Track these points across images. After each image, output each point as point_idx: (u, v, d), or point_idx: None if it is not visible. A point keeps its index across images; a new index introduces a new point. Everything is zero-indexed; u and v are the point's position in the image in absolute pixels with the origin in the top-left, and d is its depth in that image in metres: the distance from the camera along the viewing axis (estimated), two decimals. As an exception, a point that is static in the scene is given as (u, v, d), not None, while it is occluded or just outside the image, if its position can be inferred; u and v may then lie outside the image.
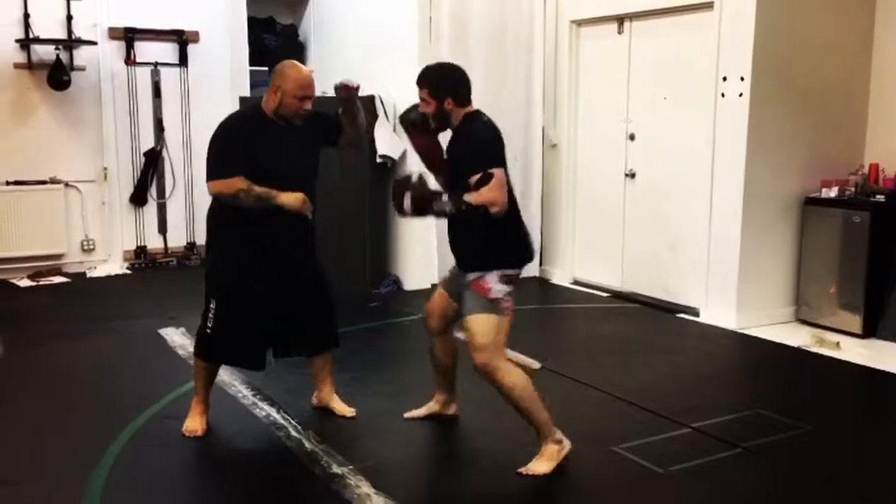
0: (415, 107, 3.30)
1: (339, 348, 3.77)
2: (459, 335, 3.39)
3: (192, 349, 3.80)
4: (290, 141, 3.41)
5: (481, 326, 3.10)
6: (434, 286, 4.32)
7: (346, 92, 3.48)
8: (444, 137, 3.32)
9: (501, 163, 3.08)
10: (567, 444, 3.20)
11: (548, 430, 3.16)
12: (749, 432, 3.54)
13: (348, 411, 3.74)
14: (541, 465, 3.14)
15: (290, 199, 3.34)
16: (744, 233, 5.18)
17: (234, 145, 3.36)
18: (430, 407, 3.71)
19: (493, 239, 3.12)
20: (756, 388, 4.26)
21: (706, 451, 3.36)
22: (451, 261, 3.40)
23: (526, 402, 3.12)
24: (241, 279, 3.45)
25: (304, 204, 3.38)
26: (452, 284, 3.38)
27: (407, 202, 3.08)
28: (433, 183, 3.30)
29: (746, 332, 5.17)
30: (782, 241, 5.36)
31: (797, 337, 5.05)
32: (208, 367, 3.59)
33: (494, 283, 3.10)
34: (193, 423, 3.55)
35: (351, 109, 3.57)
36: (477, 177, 3.00)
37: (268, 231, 3.42)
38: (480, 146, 3.11)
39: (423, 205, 3.08)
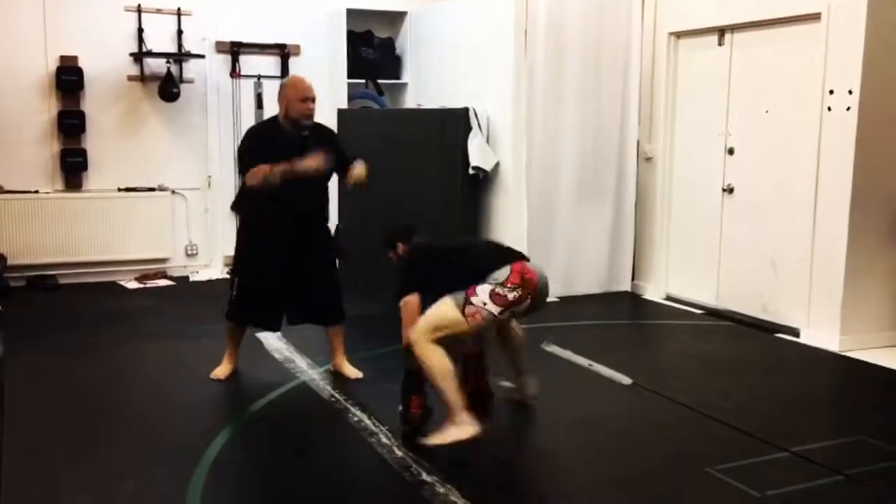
0: None
1: (344, 320, 4.38)
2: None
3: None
4: (299, 146, 3.99)
5: (433, 309, 3.46)
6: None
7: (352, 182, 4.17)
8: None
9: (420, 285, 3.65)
10: (466, 429, 3.37)
11: (452, 411, 3.40)
12: (852, 459, 3.40)
13: (354, 373, 4.34)
14: (433, 439, 3.42)
15: (307, 162, 3.91)
16: (849, 251, 4.99)
17: (253, 146, 4.08)
18: (513, 393, 3.99)
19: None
20: (860, 414, 4.08)
21: (806, 477, 3.24)
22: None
23: (436, 381, 3.40)
24: (258, 261, 4.19)
25: (320, 162, 3.91)
26: None
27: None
28: None
29: (850, 354, 4.96)
30: (891, 261, 5.14)
31: (905, 362, 4.83)
32: (234, 327, 4.36)
33: (482, 294, 3.42)
34: (220, 370, 4.34)
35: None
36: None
37: (282, 226, 4.13)
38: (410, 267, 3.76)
39: None
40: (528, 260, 3.63)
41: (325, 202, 4.36)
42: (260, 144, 4.07)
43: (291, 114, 4.06)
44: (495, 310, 3.43)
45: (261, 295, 4.24)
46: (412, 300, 3.53)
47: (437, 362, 3.41)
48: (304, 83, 4.10)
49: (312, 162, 3.91)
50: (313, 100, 4.09)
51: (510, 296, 3.44)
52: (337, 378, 4.37)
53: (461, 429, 3.39)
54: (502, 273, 3.46)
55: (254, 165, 3.92)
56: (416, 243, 3.80)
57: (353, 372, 4.37)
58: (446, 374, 3.40)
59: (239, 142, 4.30)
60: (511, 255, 3.63)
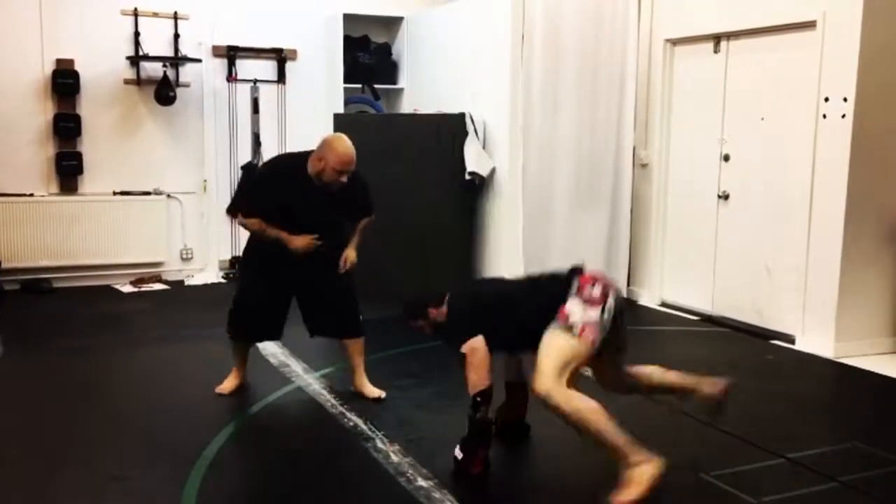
0: None
1: (363, 337, 4.17)
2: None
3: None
4: (320, 197, 3.84)
5: (547, 341, 3.12)
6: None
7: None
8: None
9: (471, 330, 3.29)
10: (655, 463, 2.97)
11: (624, 454, 2.98)
12: (846, 466, 3.41)
13: (377, 393, 4.11)
14: (627, 493, 2.97)
15: (299, 244, 3.85)
16: (844, 258, 5.01)
17: (265, 189, 3.91)
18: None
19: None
20: (854, 421, 4.09)
21: (801, 483, 3.25)
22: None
23: (587, 425, 2.98)
24: (260, 274, 4.02)
25: (310, 247, 3.85)
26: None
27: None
28: None
29: (844, 361, 4.98)
30: (886, 268, 5.16)
31: (899, 369, 4.84)
32: (236, 342, 4.21)
33: (574, 307, 3.15)
34: (225, 385, 4.19)
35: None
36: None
37: (280, 255, 3.93)
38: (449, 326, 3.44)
39: None
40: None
41: (341, 233, 4.10)
42: (275, 185, 3.87)
43: (325, 178, 3.79)
44: (595, 314, 3.13)
45: (255, 310, 4.09)
46: (478, 343, 3.21)
47: (584, 406, 2.99)
48: (348, 154, 3.77)
49: (302, 248, 3.86)
50: (350, 173, 3.81)
51: (595, 293, 3.17)
52: (332, 383, 4.37)
53: (649, 465, 2.97)
54: (574, 286, 3.22)
55: (251, 208, 3.88)
56: (455, 295, 3.47)
57: (374, 392, 4.13)
58: (600, 416, 2.97)
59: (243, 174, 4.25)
60: (570, 272, 3.34)
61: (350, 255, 4.02)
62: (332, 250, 3.99)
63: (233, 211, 3.98)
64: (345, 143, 3.79)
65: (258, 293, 4.03)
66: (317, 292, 4.05)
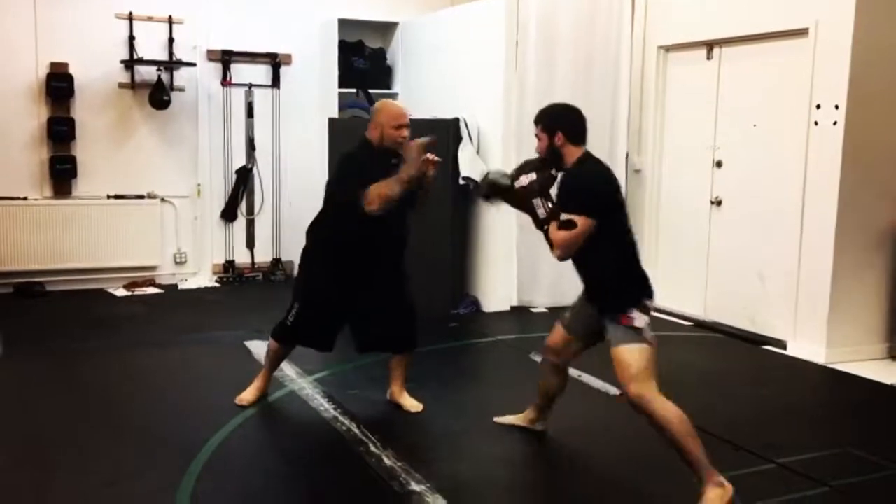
0: (497, 176, 3.36)
1: (416, 349, 4.08)
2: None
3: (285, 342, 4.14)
4: (394, 169, 3.70)
5: (631, 357, 3.09)
6: (524, 309, 4.35)
7: (429, 167, 3.68)
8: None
9: (594, 213, 3.09)
10: (730, 488, 2.98)
11: (705, 471, 2.99)
12: (837, 471, 3.43)
13: (415, 407, 4.03)
14: None
15: (410, 167, 3.60)
16: (836, 264, 5.04)
17: (358, 169, 3.73)
18: (519, 419, 3.78)
19: (613, 282, 3.19)
20: (845, 426, 4.12)
21: (792, 489, 3.27)
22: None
23: (679, 438, 3.00)
24: (327, 292, 3.88)
25: (420, 153, 3.59)
26: (577, 323, 3.43)
27: (526, 180, 3.22)
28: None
29: (836, 367, 5.00)
30: (877, 275, 5.19)
31: (890, 374, 4.86)
32: (282, 349, 4.08)
33: (635, 313, 3.12)
34: (247, 394, 4.08)
35: (426, 185, 3.81)
36: (565, 217, 3.09)
37: (357, 253, 3.84)
38: (580, 190, 3.16)
39: (536, 188, 3.20)
40: None
41: (409, 228, 4.00)
42: (362, 170, 3.71)
43: (386, 140, 3.76)
44: (647, 321, 3.16)
45: (320, 325, 3.96)
46: (583, 226, 3.07)
47: (675, 415, 3.01)
48: (397, 108, 3.83)
49: (415, 164, 3.59)
50: (408, 126, 3.79)
51: (650, 305, 3.21)
52: (326, 387, 4.37)
53: (724, 489, 2.97)
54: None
55: (363, 191, 3.59)
56: (590, 157, 3.25)
57: (412, 404, 4.05)
58: (689, 429, 3.00)
59: (335, 167, 3.91)
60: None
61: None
62: (399, 265, 3.97)
63: (351, 195, 3.63)
64: (392, 102, 3.95)
65: (330, 297, 3.88)
66: (380, 307, 3.92)
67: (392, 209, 3.65)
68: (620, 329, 3.13)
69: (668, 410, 3.03)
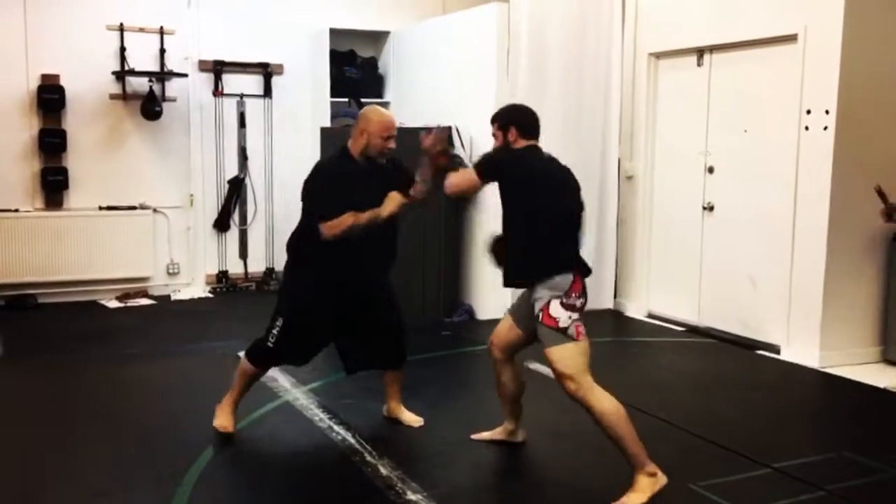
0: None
1: (406, 363, 3.98)
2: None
3: (270, 372, 4.08)
4: (375, 180, 3.64)
5: (560, 356, 3.18)
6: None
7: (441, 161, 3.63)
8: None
9: (486, 171, 3.33)
10: (662, 478, 3.16)
11: (640, 461, 3.13)
12: (833, 475, 3.44)
13: (415, 421, 3.96)
14: (634, 498, 3.11)
15: (390, 205, 3.58)
16: (828, 269, 5.05)
17: (332, 187, 3.60)
18: (497, 433, 3.75)
19: (523, 255, 3.32)
20: (840, 430, 4.12)
21: (788, 493, 3.27)
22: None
23: (617, 430, 3.12)
24: (310, 309, 3.69)
25: (402, 201, 3.60)
26: (520, 312, 3.46)
27: (431, 140, 3.55)
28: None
29: (829, 371, 5.01)
30: (869, 279, 5.21)
31: (883, 377, 4.87)
32: (257, 373, 3.86)
33: (558, 313, 3.18)
34: (226, 420, 3.81)
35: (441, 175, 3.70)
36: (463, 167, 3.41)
37: (350, 274, 3.69)
38: (486, 154, 3.44)
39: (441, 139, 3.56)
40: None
41: (397, 251, 3.87)
42: (334, 186, 3.59)
43: (371, 150, 3.64)
44: (577, 315, 3.20)
45: (302, 345, 3.78)
46: (473, 171, 3.33)
47: (611, 407, 3.11)
48: (388, 119, 3.68)
49: (395, 206, 3.57)
50: (395, 137, 3.69)
51: (578, 303, 3.22)
52: (321, 397, 4.36)
53: (657, 478, 3.13)
54: (565, 280, 3.22)
55: (329, 211, 3.51)
56: (531, 146, 3.38)
57: (412, 419, 3.97)
58: (626, 421, 3.11)
59: (308, 177, 3.72)
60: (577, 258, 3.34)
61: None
62: (387, 279, 3.85)
63: (325, 219, 3.53)
64: (380, 110, 3.78)
65: (316, 316, 3.69)
66: (368, 326, 3.80)
67: (380, 228, 3.58)
68: (544, 330, 3.21)
69: (604, 403, 3.13)
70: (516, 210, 3.32)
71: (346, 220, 3.52)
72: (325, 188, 3.61)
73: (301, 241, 3.73)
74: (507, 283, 3.42)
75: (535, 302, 3.25)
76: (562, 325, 3.18)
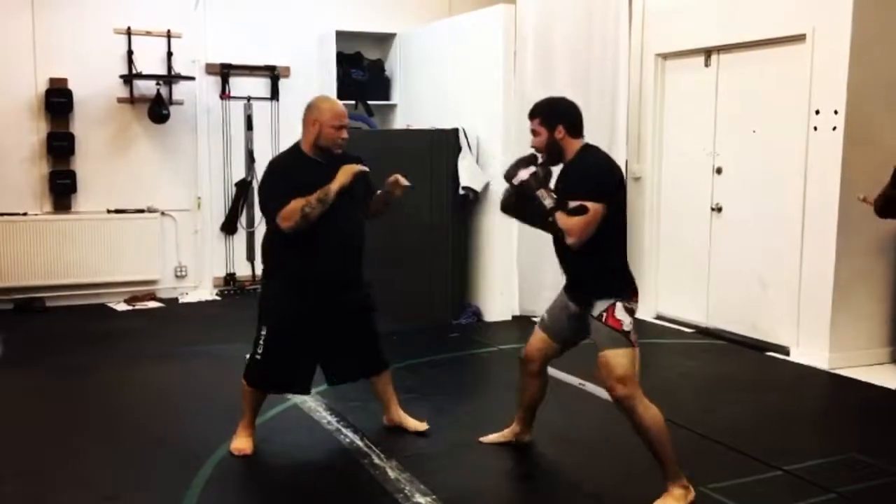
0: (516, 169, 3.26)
1: (389, 369, 3.91)
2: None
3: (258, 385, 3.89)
4: (328, 176, 3.47)
5: (619, 360, 3.12)
6: (526, 319, 4.33)
7: (399, 191, 3.64)
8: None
9: (604, 199, 3.08)
10: (692, 493, 3.13)
11: (675, 472, 3.10)
12: (844, 477, 3.41)
13: (420, 426, 3.89)
14: (670, 502, 3.08)
15: (341, 177, 3.44)
16: (837, 270, 5.03)
17: (282, 179, 3.51)
18: (505, 434, 3.74)
19: (603, 271, 3.19)
20: (850, 432, 4.09)
21: (798, 496, 3.25)
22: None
23: (661, 439, 3.09)
24: (292, 311, 3.57)
25: (355, 172, 3.47)
26: (557, 323, 3.41)
27: (525, 174, 3.16)
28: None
29: (839, 372, 4.99)
30: (878, 279, 5.18)
31: (894, 379, 4.84)
32: (256, 392, 3.70)
33: (623, 316, 3.14)
34: (243, 444, 3.67)
35: (391, 201, 3.74)
36: (575, 204, 3.05)
37: (320, 267, 3.56)
38: (588, 176, 3.15)
39: (538, 181, 3.15)
40: None
41: (364, 241, 3.72)
42: (286, 181, 3.49)
43: (323, 141, 3.50)
44: (632, 323, 3.17)
45: (291, 355, 3.63)
46: (596, 211, 3.03)
47: (655, 419, 3.10)
48: (339, 107, 3.55)
49: (348, 177, 3.44)
50: (347, 127, 3.57)
51: (635, 307, 3.21)
52: (328, 399, 4.35)
53: (688, 492, 3.12)
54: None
55: (285, 199, 3.40)
56: (593, 147, 3.25)
57: (416, 425, 3.88)
58: (666, 433, 3.10)
59: (262, 175, 3.67)
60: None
61: (395, 176, 3.66)
62: (359, 292, 3.73)
63: (278, 210, 3.42)
64: (332, 99, 3.67)
65: (293, 329, 3.59)
66: (342, 338, 3.70)
67: (341, 217, 3.47)
68: (606, 331, 3.15)
69: (649, 414, 3.09)
70: (608, 222, 3.12)
71: (297, 204, 3.38)
72: (277, 182, 3.51)
73: (270, 246, 3.62)
74: (581, 300, 3.27)
75: (593, 304, 3.18)
76: (625, 328, 3.13)
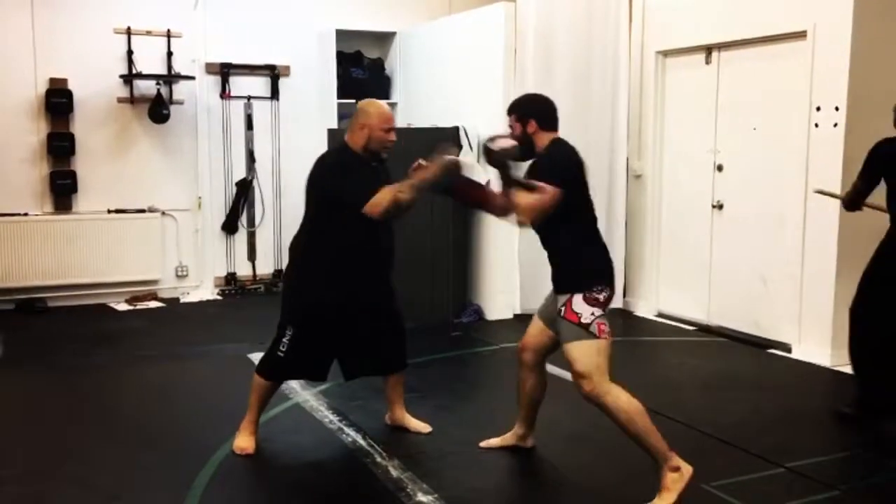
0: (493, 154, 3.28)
1: (406, 369, 3.90)
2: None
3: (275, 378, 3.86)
4: (377, 174, 3.57)
5: (578, 353, 3.12)
6: (527, 317, 4.31)
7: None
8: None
9: (563, 184, 3.11)
10: (687, 470, 3.10)
11: (662, 456, 3.09)
12: (847, 474, 3.42)
13: (423, 427, 3.88)
14: (666, 497, 3.07)
15: (436, 168, 3.38)
16: (839, 266, 5.02)
17: (352, 171, 3.50)
18: (507, 439, 3.71)
19: (564, 265, 3.22)
20: (853, 428, 4.08)
21: (802, 493, 3.25)
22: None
23: (636, 427, 3.08)
24: (326, 316, 3.58)
25: (446, 164, 3.41)
26: (547, 312, 3.42)
27: (508, 143, 3.23)
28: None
29: (841, 369, 4.98)
30: (880, 276, 5.16)
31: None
32: (270, 386, 3.70)
33: (581, 308, 3.12)
34: (245, 442, 3.66)
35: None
36: (536, 184, 3.10)
37: (356, 266, 3.58)
38: (553, 163, 3.21)
39: (515, 154, 3.22)
40: None
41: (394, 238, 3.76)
42: (355, 172, 3.49)
43: (373, 144, 3.53)
44: (599, 310, 3.13)
45: (317, 352, 3.64)
46: (551, 193, 3.04)
47: (627, 406, 3.07)
48: (386, 110, 3.59)
49: (441, 167, 3.39)
50: (395, 129, 3.59)
51: (601, 297, 3.17)
52: (330, 398, 4.35)
53: (682, 472, 3.08)
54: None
55: (363, 189, 3.39)
56: (561, 139, 3.29)
57: (419, 426, 3.89)
58: (645, 418, 3.07)
59: (325, 176, 3.55)
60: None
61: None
62: (388, 279, 3.75)
63: (365, 199, 3.38)
64: (378, 103, 3.66)
65: (330, 318, 3.58)
66: (371, 337, 3.71)
67: (383, 227, 3.53)
68: (564, 324, 3.15)
69: (619, 402, 3.08)
70: (571, 212, 3.16)
71: (386, 194, 3.37)
72: (348, 173, 3.47)
73: (310, 240, 3.61)
74: (560, 290, 3.25)
75: (558, 298, 3.21)
76: (584, 320, 3.12)
